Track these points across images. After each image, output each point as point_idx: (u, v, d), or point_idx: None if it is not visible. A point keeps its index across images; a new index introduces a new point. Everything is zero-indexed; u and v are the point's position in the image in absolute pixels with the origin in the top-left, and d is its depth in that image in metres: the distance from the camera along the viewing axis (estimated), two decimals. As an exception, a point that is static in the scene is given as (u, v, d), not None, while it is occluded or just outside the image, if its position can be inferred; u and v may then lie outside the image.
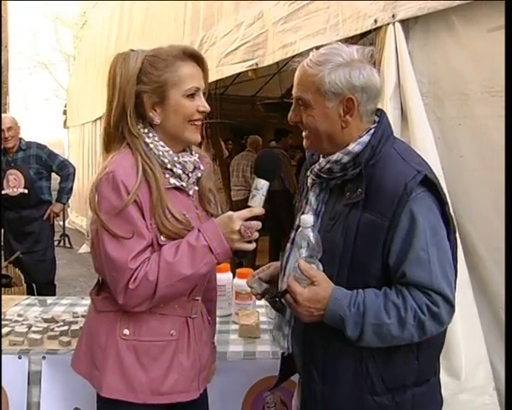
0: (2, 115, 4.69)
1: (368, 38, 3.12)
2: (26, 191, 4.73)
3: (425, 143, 2.34)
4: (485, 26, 2.20)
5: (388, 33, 2.51)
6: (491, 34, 2.17)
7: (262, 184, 1.49)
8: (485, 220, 2.30)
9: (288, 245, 1.60)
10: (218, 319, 2.53)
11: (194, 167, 1.61)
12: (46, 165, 4.88)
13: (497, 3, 2.11)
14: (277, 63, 4.28)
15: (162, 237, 1.50)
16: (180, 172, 1.56)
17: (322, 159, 1.55)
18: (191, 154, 1.63)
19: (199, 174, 1.64)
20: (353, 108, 1.46)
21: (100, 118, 8.39)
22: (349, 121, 1.47)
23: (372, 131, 1.48)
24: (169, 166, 1.55)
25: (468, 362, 2.22)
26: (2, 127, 4.63)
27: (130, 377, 1.54)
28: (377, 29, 2.60)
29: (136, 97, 1.52)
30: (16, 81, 16.96)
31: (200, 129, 1.59)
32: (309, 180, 1.59)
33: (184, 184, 1.59)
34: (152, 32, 6.12)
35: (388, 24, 2.50)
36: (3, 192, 4.69)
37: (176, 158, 1.56)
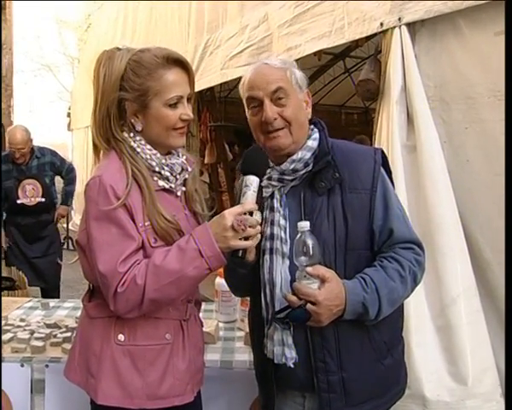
0: (12, 132, 4.55)
1: (373, 41, 3.11)
2: (43, 200, 4.65)
3: (431, 147, 2.33)
4: (492, 30, 2.18)
5: (394, 36, 2.49)
6: (498, 37, 2.15)
7: (251, 181, 1.47)
8: (492, 224, 2.28)
9: (267, 256, 1.56)
10: (222, 325, 2.53)
11: (182, 169, 1.61)
12: (58, 171, 4.88)
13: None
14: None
15: (153, 239, 1.48)
16: (168, 174, 1.56)
17: (283, 164, 1.57)
18: (178, 156, 1.63)
19: (186, 176, 1.64)
20: (309, 102, 1.62)
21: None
22: (309, 114, 1.62)
23: (316, 129, 1.63)
24: (157, 168, 1.54)
25: (474, 368, 2.20)
26: (12, 146, 4.47)
27: (125, 382, 1.52)
28: (383, 32, 2.59)
29: (118, 103, 1.51)
30: (21, 84, 17.01)
31: (184, 134, 1.57)
32: (266, 190, 1.61)
33: (173, 186, 1.59)
34: (156, 34, 6.11)
35: (394, 27, 2.49)
36: (19, 202, 4.58)
37: (164, 161, 1.56)
